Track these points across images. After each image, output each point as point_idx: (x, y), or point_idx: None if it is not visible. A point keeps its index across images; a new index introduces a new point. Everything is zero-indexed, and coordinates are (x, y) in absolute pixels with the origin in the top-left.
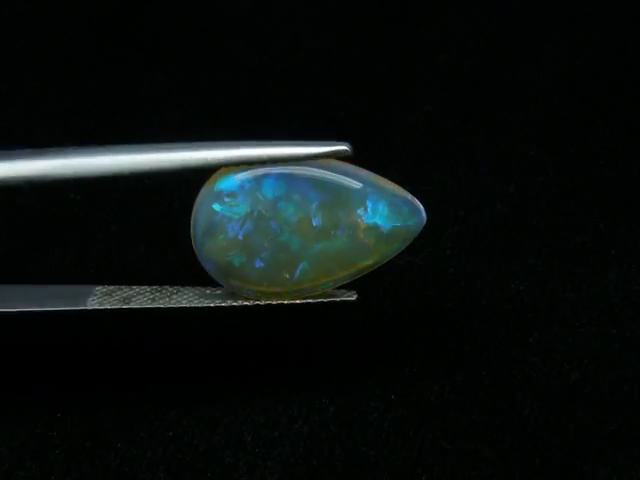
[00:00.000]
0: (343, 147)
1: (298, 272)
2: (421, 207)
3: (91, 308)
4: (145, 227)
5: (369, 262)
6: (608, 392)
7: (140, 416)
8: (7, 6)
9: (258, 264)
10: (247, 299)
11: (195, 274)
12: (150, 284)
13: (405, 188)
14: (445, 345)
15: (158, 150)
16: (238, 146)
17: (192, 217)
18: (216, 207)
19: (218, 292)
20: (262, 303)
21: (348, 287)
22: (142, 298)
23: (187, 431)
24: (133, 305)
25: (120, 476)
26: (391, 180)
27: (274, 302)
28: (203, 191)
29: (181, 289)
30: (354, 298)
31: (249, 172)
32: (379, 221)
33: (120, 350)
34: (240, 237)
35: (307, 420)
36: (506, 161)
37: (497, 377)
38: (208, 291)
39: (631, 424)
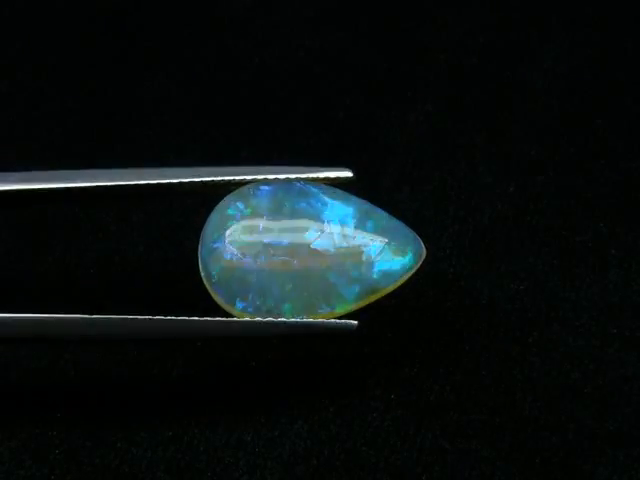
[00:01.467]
0: (347, 173)
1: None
2: (422, 245)
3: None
4: (145, 227)
5: (371, 298)
6: (608, 392)
7: (140, 416)
8: (7, 6)
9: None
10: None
11: (194, 274)
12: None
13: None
14: (445, 345)
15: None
16: (233, 173)
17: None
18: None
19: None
20: (263, 320)
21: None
22: None
23: (187, 431)
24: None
25: (120, 476)
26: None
27: (276, 319)
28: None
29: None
30: (354, 327)
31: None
32: (381, 265)
33: (120, 350)
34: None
35: (307, 420)
36: (506, 161)
37: (497, 377)
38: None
39: (631, 424)
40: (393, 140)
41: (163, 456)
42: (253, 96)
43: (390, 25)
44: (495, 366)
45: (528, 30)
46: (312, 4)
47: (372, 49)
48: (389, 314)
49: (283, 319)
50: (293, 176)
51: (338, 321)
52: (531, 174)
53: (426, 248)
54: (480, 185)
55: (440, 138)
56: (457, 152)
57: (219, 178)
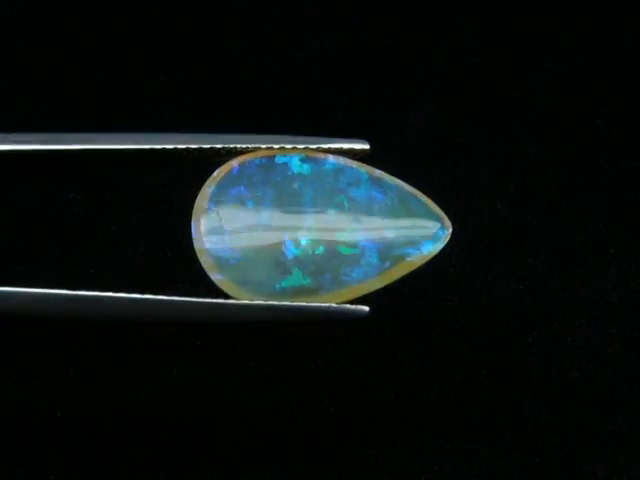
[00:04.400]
0: (363, 145)
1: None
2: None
3: None
4: (145, 227)
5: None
6: (608, 392)
7: (140, 416)
8: (7, 6)
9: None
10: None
11: (194, 274)
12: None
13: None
14: (445, 345)
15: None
16: (252, 139)
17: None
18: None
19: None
20: (269, 303)
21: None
22: None
23: (187, 431)
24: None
25: (121, 476)
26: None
27: (280, 303)
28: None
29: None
30: (366, 312)
31: None
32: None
33: (120, 350)
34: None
35: (306, 420)
36: (506, 161)
37: (497, 377)
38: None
39: (631, 424)
40: (393, 140)
41: (163, 456)
42: (253, 96)
43: (390, 25)
44: (495, 366)
45: (528, 30)
46: (312, 4)
47: (372, 49)
48: (389, 314)
49: (288, 302)
50: (312, 146)
51: (349, 306)
52: (531, 174)
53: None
54: (480, 185)
55: (440, 138)
56: (457, 152)
57: (231, 145)
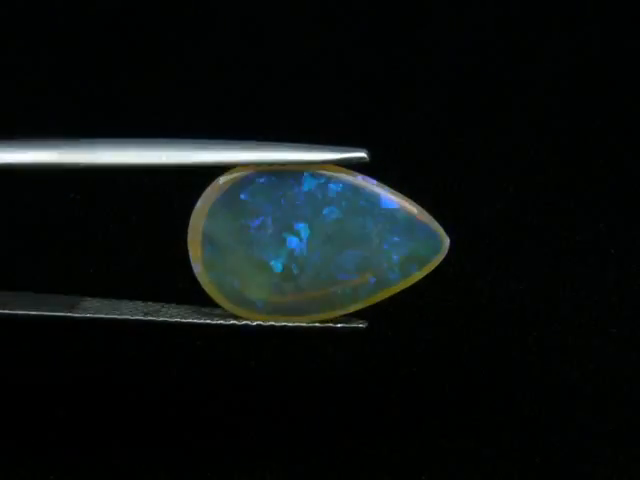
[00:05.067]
0: (361, 154)
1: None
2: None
3: (82, 315)
4: (145, 227)
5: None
6: (608, 392)
7: (140, 416)
8: (7, 6)
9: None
10: (249, 318)
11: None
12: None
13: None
14: (445, 345)
15: (171, 146)
16: (249, 148)
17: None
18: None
19: (217, 312)
20: (265, 324)
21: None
22: (135, 311)
23: (187, 431)
24: (126, 316)
25: (120, 476)
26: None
27: (279, 323)
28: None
29: (178, 306)
30: (364, 326)
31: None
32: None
33: (120, 351)
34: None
35: (306, 420)
36: (506, 161)
37: (497, 377)
38: (206, 310)
39: (631, 424)
40: (393, 140)
41: (163, 456)
42: (253, 96)
43: (390, 25)
44: (495, 366)
45: (528, 30)
46: (312, 4)
47: (372, 49)
48: (389, 314)
49: (285, 322)
50: (308, 158)
51: (347, 324)
52: (531, 174)
53: None
54: (480, 185)
55: (440, 138)
56: (457, 152)
57: (225, 160)
